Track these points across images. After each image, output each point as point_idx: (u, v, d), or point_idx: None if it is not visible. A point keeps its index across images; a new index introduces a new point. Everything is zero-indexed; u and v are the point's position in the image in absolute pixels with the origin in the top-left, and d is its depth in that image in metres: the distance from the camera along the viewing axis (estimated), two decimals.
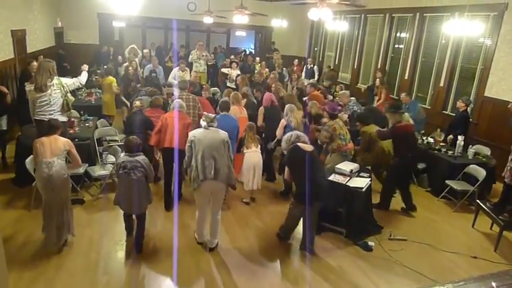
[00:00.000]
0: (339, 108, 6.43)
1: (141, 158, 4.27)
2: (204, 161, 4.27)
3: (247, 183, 5.60)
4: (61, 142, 4.22)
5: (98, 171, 5.65)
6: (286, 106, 6.13)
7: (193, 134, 4.45)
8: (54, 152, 4.11)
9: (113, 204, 4.46)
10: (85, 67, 5.82)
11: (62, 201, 4.17)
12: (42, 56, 7.66)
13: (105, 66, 8.46)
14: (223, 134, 4.46)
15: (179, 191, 5.61)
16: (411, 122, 5.99)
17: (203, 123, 4.45)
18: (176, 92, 6.56)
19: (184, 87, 6.60)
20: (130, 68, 8.85)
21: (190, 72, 9.47)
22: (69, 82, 5.38)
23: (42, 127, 4.84)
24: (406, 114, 5.99)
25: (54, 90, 5.10)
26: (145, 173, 4.24)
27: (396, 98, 9.49)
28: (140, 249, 4.36)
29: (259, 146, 5.75)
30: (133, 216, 4.50)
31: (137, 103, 6.12)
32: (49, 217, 4.15)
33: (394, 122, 5.60)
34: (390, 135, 5.65)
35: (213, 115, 4.64)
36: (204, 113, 4.80)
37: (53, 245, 4.16)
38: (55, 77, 5.14)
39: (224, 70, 11.07)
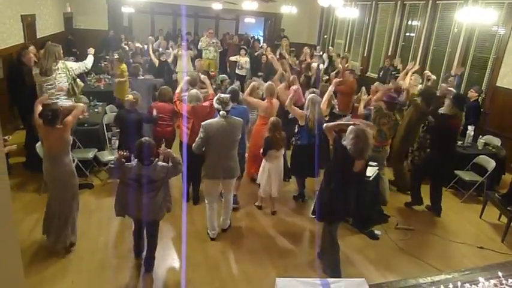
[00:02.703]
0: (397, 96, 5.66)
1: (159, 167, 3.56)
2: (217, 161, 4.22)
3: (263, 188, 5.02)
4: (65, 133, 3.84)
5: (106, 156, 5.70)
6: (309, 96, 5.18)
7: (209, 125, 4.15)
8: (58, 147, 3.84)
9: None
10: (91, 51, 5.80)
11: (67, 199, 3.94)
12: (49, 42, 7.68)
13: (115, 54, 8.40)
14: (237, 126, 4.26)
15: (195, 192, 5.29)
16: (463, 121, 5.86)
17: (217, 105, 4.20)
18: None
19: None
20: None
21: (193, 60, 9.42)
22: (74, 66, 5.39)
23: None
24: (463, 113, 5.71)
25: (59, 74, 5.12)
26: (166, 179, 3.67)
27: None
28: (151, 268, 3.82)
29: (283, 148, 4.99)
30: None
31: (130, 96, 5.15)
32: (52, 215, 3.93)
33: (449, 113, 5.22)
34: (436, 121, 5.35)
35: (228, 96, 4.31)
36: (220, 95, 4.32)
37: (53, 244, 3.95)
38: (60, 61, 5.16)
39: (232, 58, 10.97)
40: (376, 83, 6.86)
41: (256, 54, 11.23)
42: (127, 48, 10.54)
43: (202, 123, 4.20)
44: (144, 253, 3.86)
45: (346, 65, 9.13)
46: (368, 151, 3.59)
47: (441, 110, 5.33)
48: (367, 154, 3.62)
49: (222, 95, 4.29)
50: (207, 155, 4.27)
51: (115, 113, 6.77)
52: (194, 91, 5.12)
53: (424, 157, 5.54)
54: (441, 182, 5.59)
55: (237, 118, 4.32)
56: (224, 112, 4.16)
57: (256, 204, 5.30)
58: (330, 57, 11.33)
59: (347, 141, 3.57)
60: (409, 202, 5.64)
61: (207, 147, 4.22)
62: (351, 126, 3.64)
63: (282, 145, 4.92)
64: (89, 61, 5.65)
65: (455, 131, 5.46)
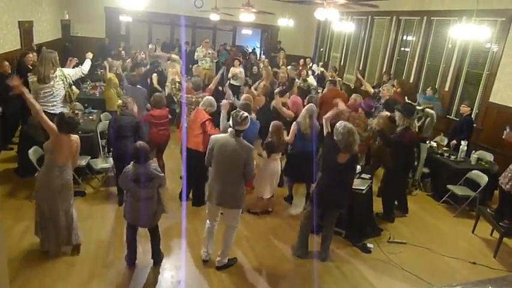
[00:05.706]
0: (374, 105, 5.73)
1: (153, 166, 3.82)
2: (215, 183, 3.90)
3: (259, 190, 5.23)
4: (75, 145, 3.92)
5: (100, 164, 5.67)
6: (307, 106, 5.49)
7: (215, 139, 3.91)
8: (68, 157, 3.87)
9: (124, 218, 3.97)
10: (89, 55, 5.77)
11: (66, 207, 3.96)
12: (44, 48, 7.68)
13: (109, 59, 8.42)
14: (247, 151, 3.82)
15: (197, 196, 5.40)
16: (416, 129, 5.88)
17: (230, 123, 3.89)
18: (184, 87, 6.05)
19: (198, 87, 6.03)
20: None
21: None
22: (71, 72, 5.35)
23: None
24: (415, 121, 5.76)
25: (57, 81, 5.09)
26: (159, 183, 3.83)
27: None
28: (159, 260, 4.08)
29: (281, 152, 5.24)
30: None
31: (119, 101, 5.30)
32: (48, 224, 3.92)
33: (403, 127, 5.24)
34: (395, 141, 5.26)
35: (245, 115, 3.84)
36: (238, 111, 3.93)
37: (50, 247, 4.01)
38: (58, 68, 5.14)
39: (230, 75, 10.90)
40: (354, 95, 6.76)
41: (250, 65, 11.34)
42: (123, 56, 10.55)
43: (211, 136, 4.04)
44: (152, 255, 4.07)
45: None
46: (355, 146, 3.98)
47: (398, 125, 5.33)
48: (354, 149, 3.99)
49: (240, 112, 3.84)
50: (210, 173, 4.08)
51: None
52: (210, 98, 5.38)
53: (387, 178, 5.59)
54: (405, 189, 5.93)
55: (247, 143, 3.88)
56: (233, 130, 3.80)
57: (251, 210, 5.32)
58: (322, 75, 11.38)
59: (337, 135, 3.98)
60: (381, 214, 5.58)
61: (212, 169, 3.97)
62: (339, 122, 4.08)
63: (282, 148, 5.19)
64: (86, 66, 5.60)
65: (415, 142, 5.43)
